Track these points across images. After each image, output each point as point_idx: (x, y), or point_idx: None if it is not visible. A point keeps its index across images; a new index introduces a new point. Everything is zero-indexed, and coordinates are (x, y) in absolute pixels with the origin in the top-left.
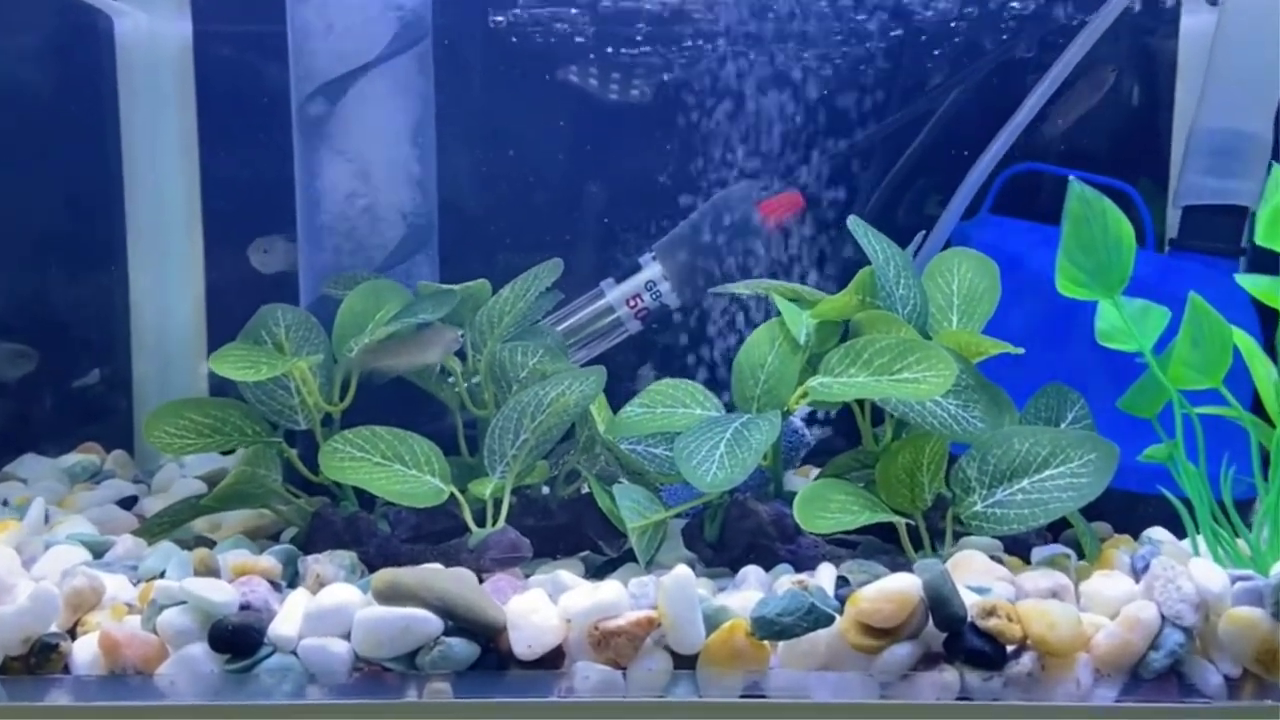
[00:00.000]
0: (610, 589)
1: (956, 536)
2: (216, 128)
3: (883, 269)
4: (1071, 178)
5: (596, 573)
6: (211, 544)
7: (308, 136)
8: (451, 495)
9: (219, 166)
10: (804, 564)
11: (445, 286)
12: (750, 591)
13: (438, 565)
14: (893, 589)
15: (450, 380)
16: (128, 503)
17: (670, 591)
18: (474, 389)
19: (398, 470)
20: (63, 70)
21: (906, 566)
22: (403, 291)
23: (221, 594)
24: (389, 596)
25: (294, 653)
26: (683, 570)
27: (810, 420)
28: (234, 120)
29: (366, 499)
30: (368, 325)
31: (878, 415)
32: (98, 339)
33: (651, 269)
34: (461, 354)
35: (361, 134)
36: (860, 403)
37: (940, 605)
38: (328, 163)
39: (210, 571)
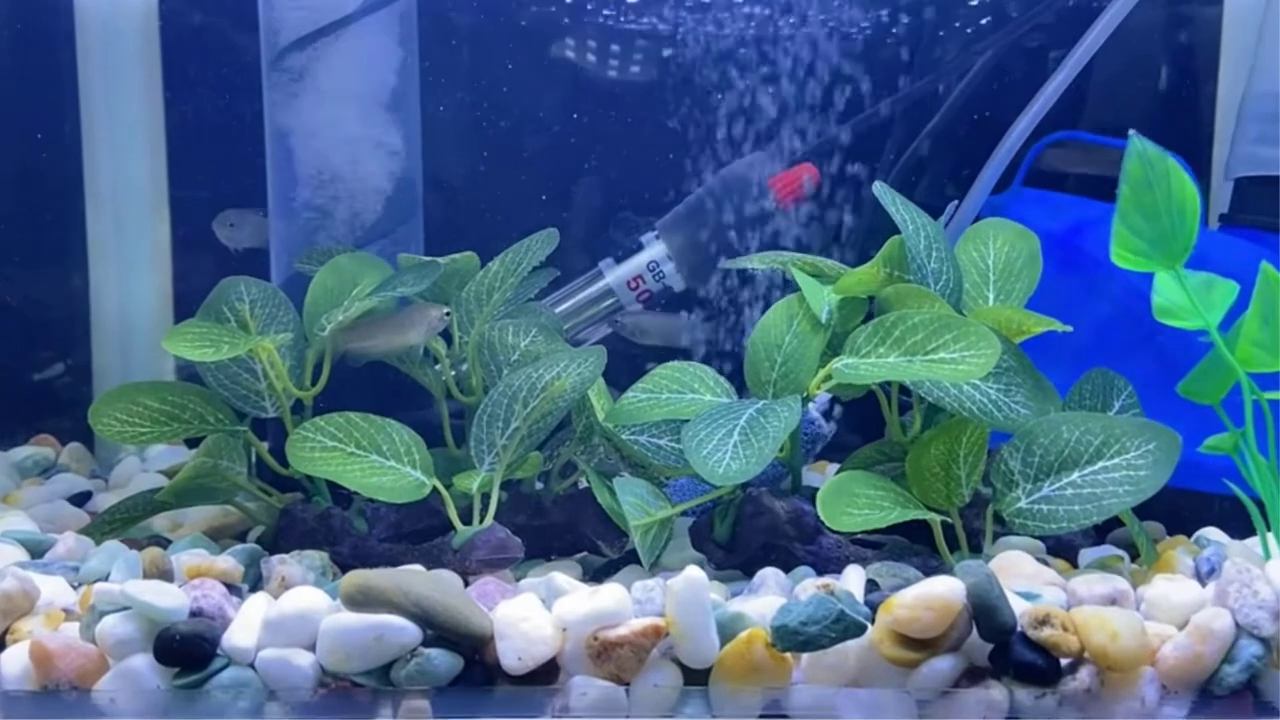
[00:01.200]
0: (611, 594)
1: (995, 537)
2: (184, 97)
3: (913, 239)
4: (1132, 132)
5: (595, 575)
6: (167, 544)
7: (279, 101)
8: (434, 490)
9: (187, 139)
10: (825, 566)
11: (428, 259)
12: (769, 597)
13: (418, 566)
14: (933, 594)
15: (434, 364)
16: (80, 499)
17: (680, 597)
18: (461, 373)
19: (374, 461)
20: (14, 38)
21: (941, 569)
22: (382, 265)
23: (169, 599)
24: (360, 602)
25: (251, 666)
26: (694, 573)
27: (829, 410)
28: (203, 88)
29: (344, 495)
30: (342, 303)
31: (902, 403)
32: (55, 325)
33: (654, 248)
34: (447, 335)
35: (338, 98)
36: (885, 388)
37: (987, 613)
38: (300, 129)
39: (162, 573)
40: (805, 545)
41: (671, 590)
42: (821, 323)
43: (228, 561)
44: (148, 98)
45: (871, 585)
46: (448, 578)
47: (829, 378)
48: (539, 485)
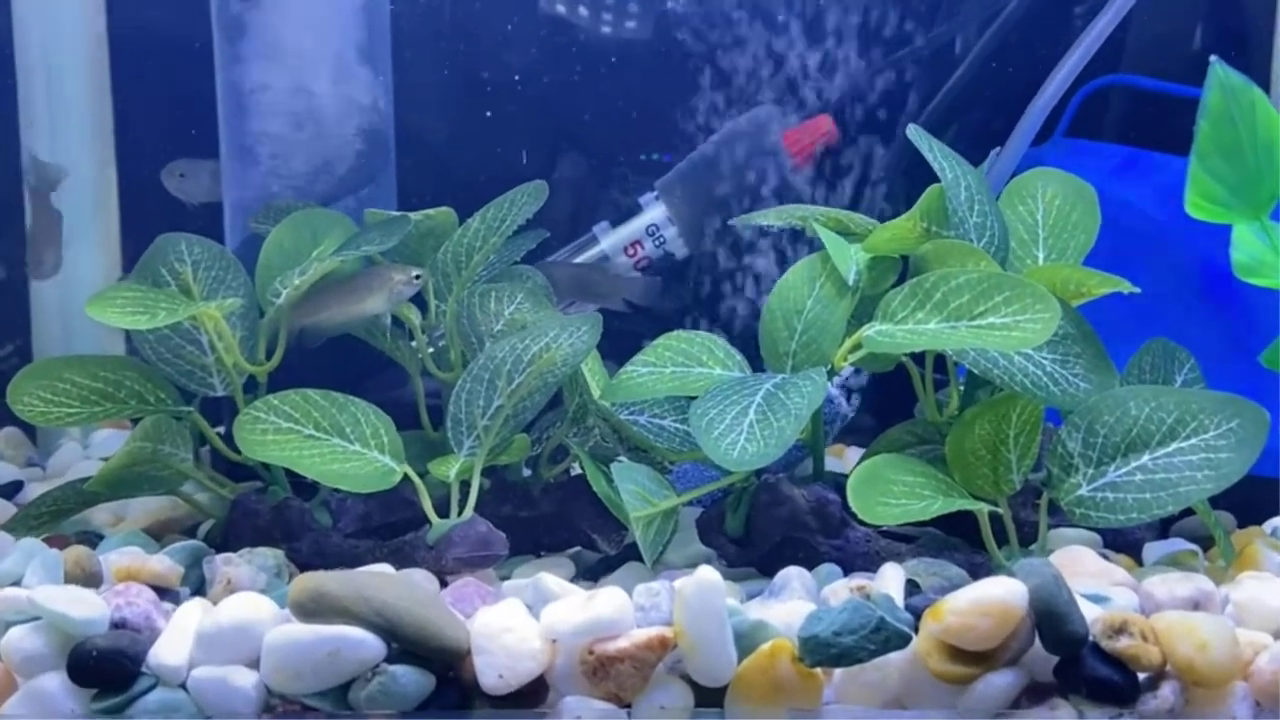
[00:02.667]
0: (610, 599)
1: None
2: (129, 39)
3: (953, 190)
4: (1214, 59)
5: (590, 574)
6: (100, 541)
7: (232, 52)
8: (406, 478)
9: (136, 101)
10: (853, 563)
11: (397, 214)
12: (794, 602)
13: (386, 567)
14: (990, 599)
15: (408, 337)
16: (11, 490)
17: (691, 602)
18: (438, 346)
19: (336, 446)
20: None
21: (987, 568)
22: (345, 223)
23: (85, 608)
24: (311, 610)
25: (183, 686)
26: (707, 574)
27: (849, 387)
28: (150, 31)
29: (307, 485)
30: (300, 265)
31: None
32: None
33: (654, 210)
34: (421, 303)
35: (297, 39)
36: (918, 360)
37: (1053, 621)
38: (254, 81)
39: (88, 576)
40: (830, 539)
41: (680, 594)
42: (849, 285)
43: (163, 562)
44: (91, 63)
45: (912, 587)
46: (418, 580)
47: (857, 347)
48: (526, 472)
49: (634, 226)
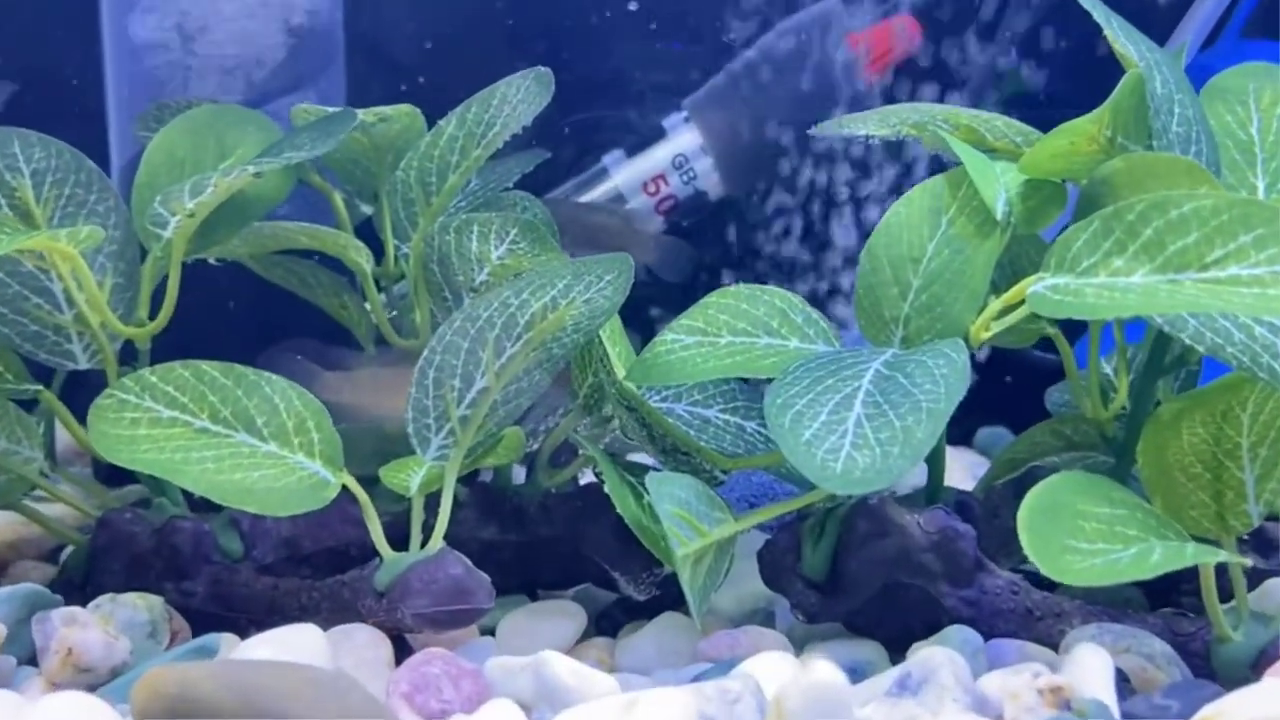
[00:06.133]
0: (663, 710)
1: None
2: None
3: (1149, 81)
4: None
5: (605, 626)
6: None
7: None
8: (345, 490)
9: None
10: (992, 625)
11: (338, 109)
12: (949, 708)
13: (309, 628)
14: None
15: (358, 292)
16: None
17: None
18: (397, 303)
19: (240, 444)
20: None
21: (1202, 639)
22: (263, 123)
23: None
24: None
25: None
26: (825, 674)
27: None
28: None
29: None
30: (193, 177)
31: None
32: None
33: (682, 136)
34: (375, 243)
35: None
36: (1073, 329)
37: None
38: None
39: None
40: (959, 589)
41: (779, 707)
42: (996, 220)
43: None
44: None
45: (1122, 682)
46: (360, 643)
47: (1010, 309)
48: (520, 481)
49: (656, 157)
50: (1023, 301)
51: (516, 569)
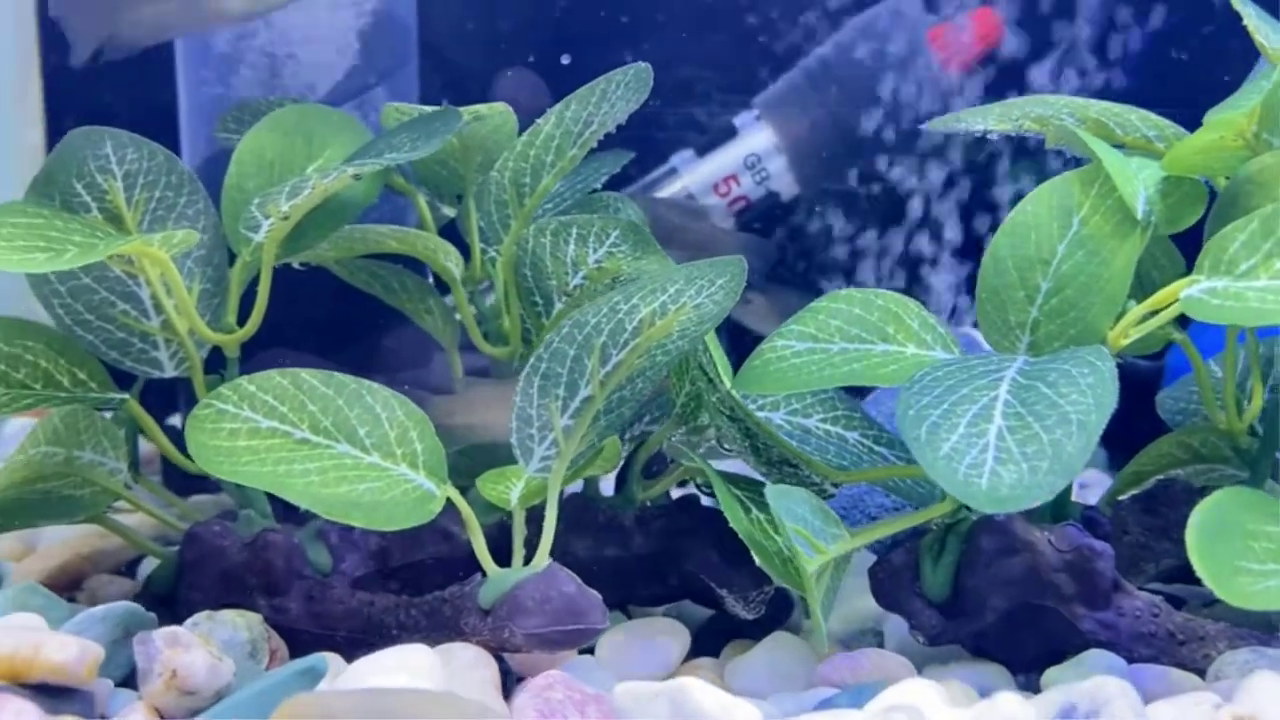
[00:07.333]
0: None
1: None
2: None
3: None
4: None
5: (706, 645)
6: None
7: None
8: (449, 503)
9: None
10: (1131, 648)
11: (440, 108)
12: None
13: (419, 648)
14: None
15: (443, 295)
16: None
17: None
18: (484, 309)
19: (343, 456)
20: None
21: None
22: (353, 124)
23: None
24: None
25: None
26: (1013, 705)
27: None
28: None
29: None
30: (288, 179)
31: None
32: None
33: (755, 135)
34: (463, 246)
35: None
36: (1207, 340)
37: None
38: None
39: None
40: (1095, 611)
41: None
42: (1137, 219)
43: (67, 646)
44: None
45: None
46: (468, 662)
47: (1151, 314)
48: (611, 493)
49: (728, 156)
50: (1164, 307)
51: (611, 585)
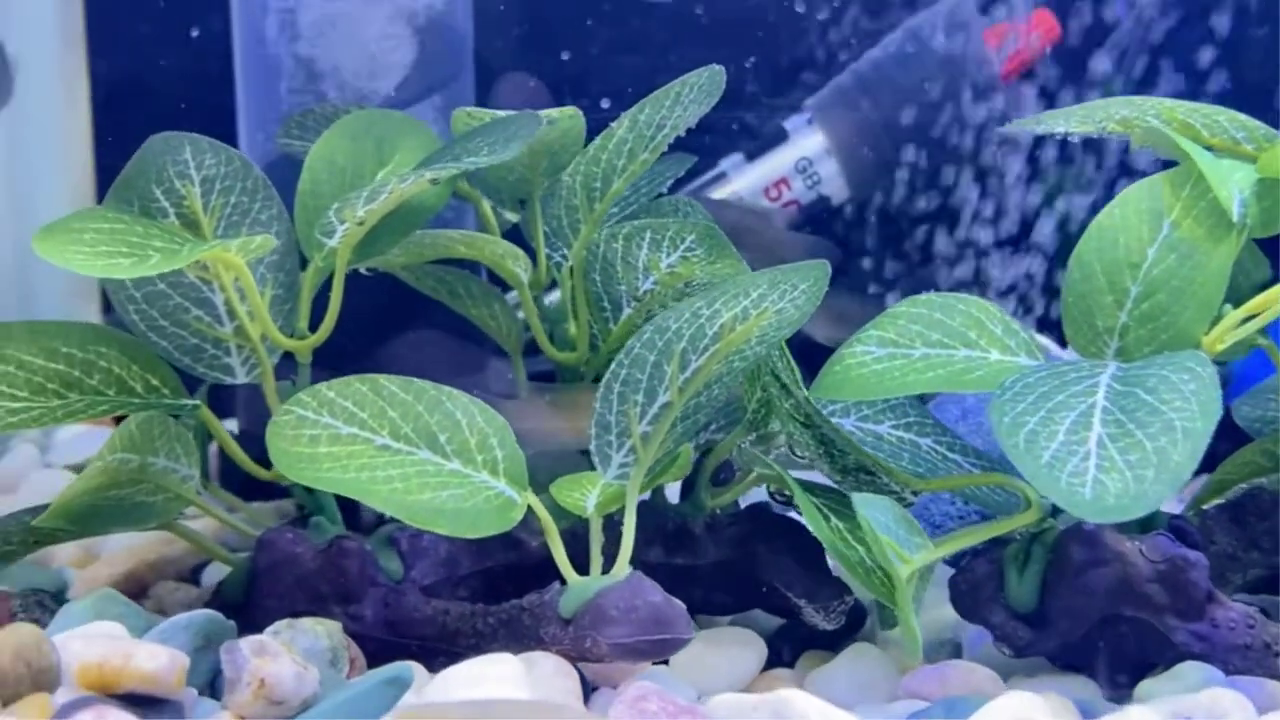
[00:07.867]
0: None
1: None
2: None
3: None
4: None
5: (780, 655)
6: (57, 602)
7: None
8: (529, 510)
9: None
10: (1227, 660)
11: (519, 112)
12: None
13: (505, 658)
14: None
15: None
16: None
17: None
18: (552, 313)
19: (425, 463)
20: None
21: None
22: (422, 129)
23: None
24: None
25: None
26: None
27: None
28: None
29: (352, 507)
30: (360, 186)
31: None
32: None
33: (806, 139)
34: (530, 249)
35: None
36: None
37: None
38: None
39: (36, 677)
40: (1189, 623)
41: None
42: (1232, 222)
43: (157, 655)
44: None
45: None
46: (537, 690)
47: (1248, 318)
48: (680, 501)
49: (778, 160)
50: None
51: (682, 594)
